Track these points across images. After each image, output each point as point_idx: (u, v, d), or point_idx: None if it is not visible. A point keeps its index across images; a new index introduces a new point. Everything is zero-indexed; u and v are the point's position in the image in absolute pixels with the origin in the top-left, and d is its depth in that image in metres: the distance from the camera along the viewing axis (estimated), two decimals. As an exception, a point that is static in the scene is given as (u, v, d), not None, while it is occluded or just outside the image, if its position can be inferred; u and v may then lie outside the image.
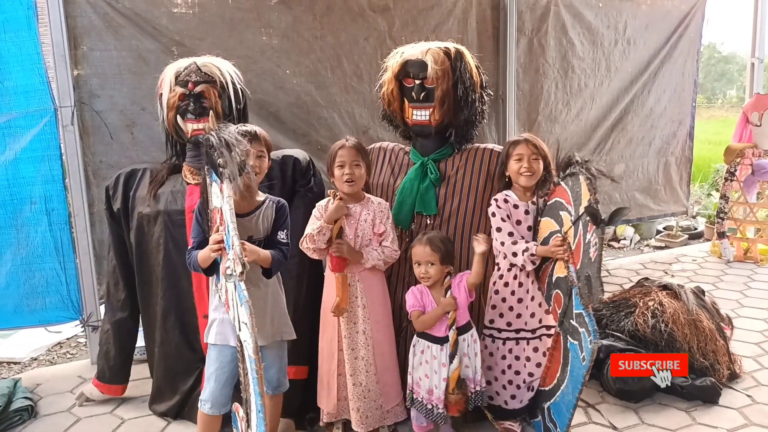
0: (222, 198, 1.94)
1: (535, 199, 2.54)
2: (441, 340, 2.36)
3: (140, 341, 2.97)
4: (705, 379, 2.80)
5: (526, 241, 2.47)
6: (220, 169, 1.90)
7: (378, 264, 2.44)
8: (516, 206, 2.54)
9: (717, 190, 6.18)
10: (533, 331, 2.52)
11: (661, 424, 2.63)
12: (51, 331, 3.84)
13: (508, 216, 2.52)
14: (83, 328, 3.41)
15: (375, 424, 2.52)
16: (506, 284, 2.53)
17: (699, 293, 3.28)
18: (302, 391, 2.64)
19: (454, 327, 2.34)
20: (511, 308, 2.52)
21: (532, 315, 2.51)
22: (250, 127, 2.28)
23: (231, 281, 1.87)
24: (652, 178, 5.23)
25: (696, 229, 6.21)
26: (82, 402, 2.91)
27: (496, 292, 2.55)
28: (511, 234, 2.49)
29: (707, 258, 5.14)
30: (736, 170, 5.02)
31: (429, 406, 2.37)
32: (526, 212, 2.53)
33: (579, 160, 2.31)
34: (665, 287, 3.29)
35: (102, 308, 3.19)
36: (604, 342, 2.97)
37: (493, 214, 2.54)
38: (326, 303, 2.53)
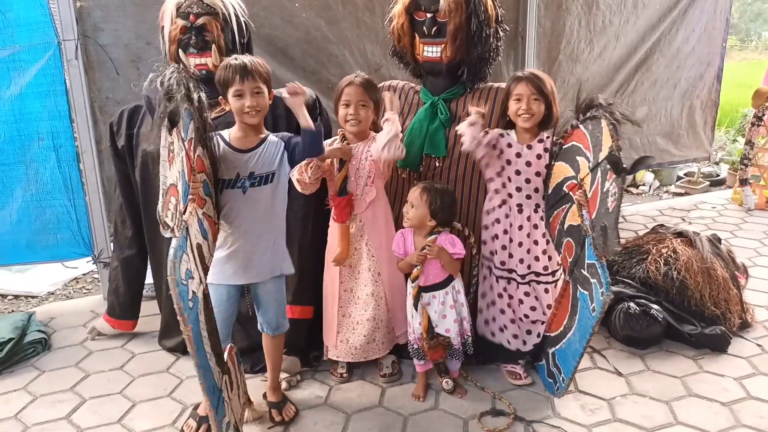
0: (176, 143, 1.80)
1: (531, 143, 2.43)
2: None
3: (149, 278, 2.99)
4: (715, 327, 2.77)
5: (505, 182, 2.47)
6: (158, 113, 1.76)
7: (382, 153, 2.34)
8: (510, 145, 2.46)
9: (743, 136, 5.96)
10: (522, 276, 2.49)
11: (667, 370, 2.61)
12: (68, 266, 3.91)
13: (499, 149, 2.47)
14: (95, 264, 3.46)
15: (390, 347, 2.60)
16: (498, 221, 2.50)
17: (715, 241, 3.20)
18: (307, 331, 2.66)
19: (415, 283, 2.34)
20: (504, 247, 2.49)
21: (521, 261, 2.48)
22: (240, 59, 2.09)
23: (166, 234, 1.70)
24: (675, 122, 5.04)
25: (718, 175, 6.03)
26: (93, 336, 2.97)
27: (486, 227, 2.53)
28: None
29: (727, 205, 5.01)
30: (764, 114, 4.80)
31: (415, 346, 2.42)
32: (518, 155, 2.44)
33: (602, 102, 2.16)
34: (680, 234, 3.22)
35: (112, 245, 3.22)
36: (614, 288, 2.94)
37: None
38: (330, 246, 2.52)
